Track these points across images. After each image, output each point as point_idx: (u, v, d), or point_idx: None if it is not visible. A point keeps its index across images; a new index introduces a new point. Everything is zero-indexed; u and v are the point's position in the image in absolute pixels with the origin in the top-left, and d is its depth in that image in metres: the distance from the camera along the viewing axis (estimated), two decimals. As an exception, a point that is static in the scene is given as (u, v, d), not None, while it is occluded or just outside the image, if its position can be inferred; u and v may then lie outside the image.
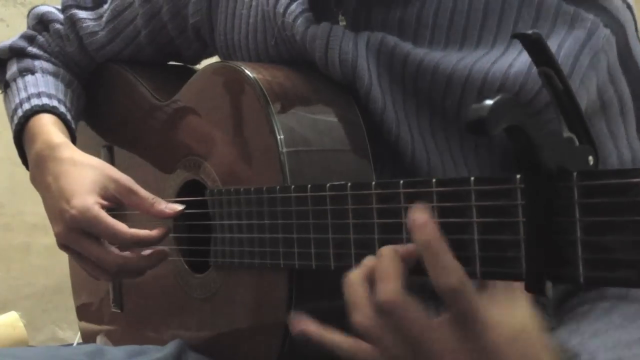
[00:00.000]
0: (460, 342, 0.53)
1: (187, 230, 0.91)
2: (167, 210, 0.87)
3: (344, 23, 0.81)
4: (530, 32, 0.47)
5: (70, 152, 0.92)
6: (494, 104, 0.43)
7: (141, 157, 1.01)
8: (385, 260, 0.57)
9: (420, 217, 0.55)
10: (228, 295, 0.85)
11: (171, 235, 0.91)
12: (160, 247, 0.88)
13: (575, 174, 0.47)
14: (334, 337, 0.61)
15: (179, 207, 0.87)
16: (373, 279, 0.57)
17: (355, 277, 0.59)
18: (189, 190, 0.91)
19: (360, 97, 0.80)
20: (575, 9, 0.73)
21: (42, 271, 2.16)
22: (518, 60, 0.73)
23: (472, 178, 0.54)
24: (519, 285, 0.51)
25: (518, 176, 0.50)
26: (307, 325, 0.62)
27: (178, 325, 0.94)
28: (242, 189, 0.79)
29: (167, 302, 0.96)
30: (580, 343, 0.64)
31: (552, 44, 0.73)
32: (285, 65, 0.86)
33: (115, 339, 1.09)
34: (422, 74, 0.76)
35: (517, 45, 0.73)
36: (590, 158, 0.49)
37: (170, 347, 0.88)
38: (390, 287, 0.55)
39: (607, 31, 0.73)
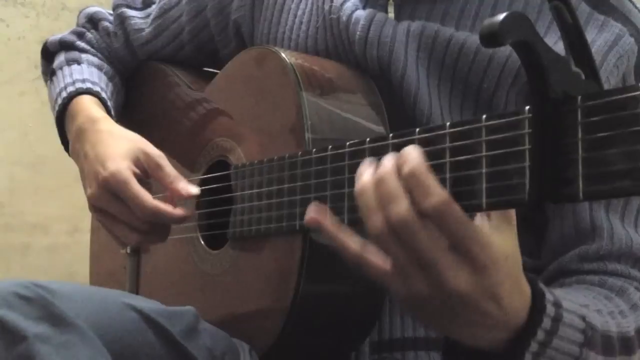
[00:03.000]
0: (461, 263, 0.56)
1: (210, 204, 0.95)
2: (182, 191, 0.90)
3: (392, 12, 0.88)
4: (544, -39, 0.51)
5: (109, 125, 0.98)
6: (505, 17, 0.47)
7: (173, 144, 1.05)
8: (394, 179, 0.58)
9: (408, 149, 0.58)
10: (242, 268, 0.87)
11: (195, 212, 0.95)
12: (182, 216, 0.89)
13: (579, 97, 0.50)
14: (345, 235, 0.61)
15: (195, 190, 0.90)
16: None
17: (367, 189, 0.60)
18: (217, 170, 0.95)
19: (394, 80, 0.85)
20: (605, 18, 0.82)
21: (42, 271, 2.15)
22: (556, 46, 0.78)
23: (484, 115, 0.57)
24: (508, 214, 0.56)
25: (527, 107, 0.54)
26: (322, 215, 0.62)
27: (192, 303, 0.95)
28: (265, 159, 0.83)
29: (182, 282, 0.98)
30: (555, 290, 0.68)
31: None
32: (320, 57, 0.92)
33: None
34: (465, 53, 0.83)
35: (552, 38, 0.80)
36: (595, 93, 0.53)
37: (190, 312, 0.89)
38: (398, 209, 0.57)
39: (632, 40, 0.82)
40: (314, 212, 0.63)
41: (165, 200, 0.90)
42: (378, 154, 0.67)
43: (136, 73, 1.17)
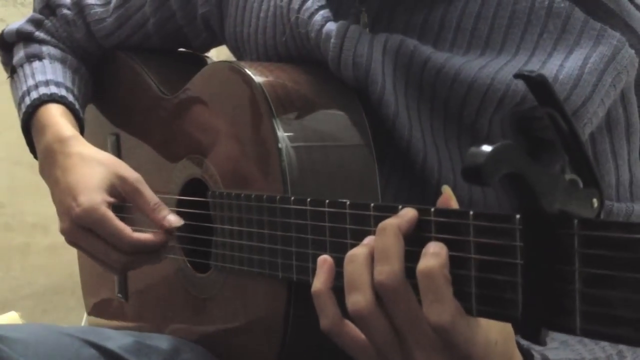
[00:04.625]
0: (439, 348, 0.53)
1: (190, 229, 0.90)
2: (165, 223, 0.85)
3: (365, 21, 0.78)
4: (534, 74, 0.44)
5: (79, 146, 0.91)
6: (492, 151, 0.41)
7: (146, 150, 1.00)
8: (387, 238, 0.54)
9: (436, 245, 0.53)
10: (228, 298, 0.84)
11: (175, 233, 0.90)
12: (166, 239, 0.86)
13: (576, 222, 0.44)
14: (331, 298, 0.59)
15: (178, 222, 0.86)
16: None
17: (358, 255, 0.56)
18: (193, 187, 0.90)
19: (372, 102, 0.77)
20: (602, 26, 0.71)
21: (42, 271, 2.15)
22: (541, 71, 0.71)
23: (471, 212, 0.52)
24: None
25: (518, 216, 0.48)
26: (329, 273, 0.59)
27: (179, 322, 0.93)
28: (242, 195, 0.77)
29: (170, 299, 0.95)
30: (550, 349, 0.65)
31: (577, 58, 0.71)
32: (292, 65, 0.84)
33: (121, 329, 1.09)
34: (442, 79, 0.74)
35: (541, 55, 0.72)
36: (595, 201, 0.47)
37: (168, 342, 0.88)
38: (390, 268, 0.53)
39: (632, 52, 0.72)
40: (325, 265, 0.60)
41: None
42: (358, 223, 0.62)
43: (103, 64, 1.09)
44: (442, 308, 0.51)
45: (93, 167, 0.88)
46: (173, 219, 0.85)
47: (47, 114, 0.96)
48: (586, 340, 0.69)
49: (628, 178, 0.75)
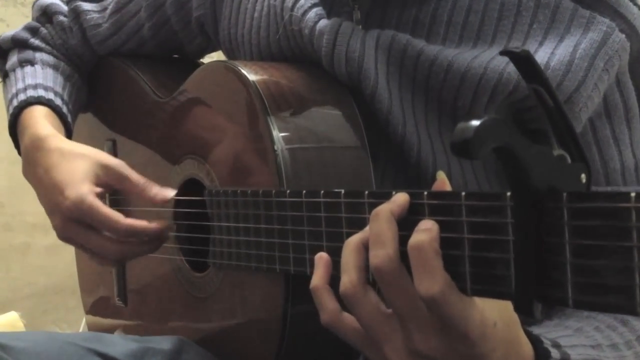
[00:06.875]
0: (444, 342, 0.53)
1: (187, 228, 0.91)
2: (157, 198, 0.86)
3: (358, 17, 0.79)
4: (518, 49, 0.45)
5: (57, 142, 0.92)
6: (480, 125, 0.42)
7: (143, 153, 1.01)
8: (381, 223, 0.55)
9: (427, 222, 0.54)
10: (227, 295, 0.84)
11: (172, 234, 0.91)
12: (160, 228, 0.86)
13: (565, 194, 0.45)
14: (328, 292, 0.60)
15: (170, 193, 0.86)
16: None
17: (350, 241, 0.58)
18: (190, 188, 0.90)
19: (365, 97, 0.79)
20: (590, 13, 0.73)
21: (42, 271, 2.15)
22: (540, 47, 0.73)
23: (463, 193, 0.52)
24: None
25: (509, 193, 0.49)
26: (326, 268, 0.61)
27: (179, 322, 0.94)
28: (239, 191, 0.78)
29: (169, 300, 0.96)
30: (563, 336, 0.65)
31: (568, 45, 0.72)
32: (285, 63, 0.85)
33: (122, 331, 1.09)
34: (436, 71, 0.75)
35: (532, 45, 0.73)
36: (583, 176, 0.48)
37: (170, 342, 0.88)
38: (385, 252, 0.54)
39: (622, 36, 0.73)
40: (321, 261, 0.62)
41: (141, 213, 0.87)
42: (354, 211, 0.63)
43: (97, 71, 1.10)
44: (432, 280, 0.51)
45: (75, 161, 0.88)
46: (165, 192, 0.85)
47: (30, 116, 0.97)
48: (602, 326, 0.69)
49: (633, 162, 0.76)
